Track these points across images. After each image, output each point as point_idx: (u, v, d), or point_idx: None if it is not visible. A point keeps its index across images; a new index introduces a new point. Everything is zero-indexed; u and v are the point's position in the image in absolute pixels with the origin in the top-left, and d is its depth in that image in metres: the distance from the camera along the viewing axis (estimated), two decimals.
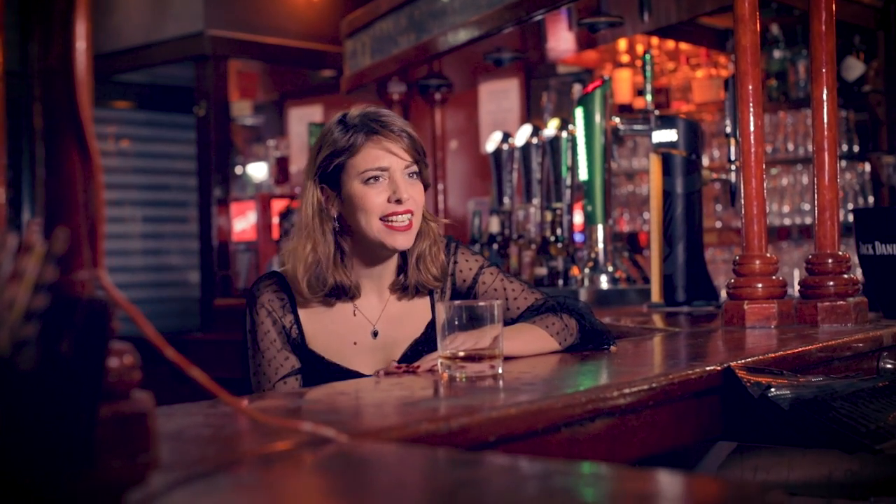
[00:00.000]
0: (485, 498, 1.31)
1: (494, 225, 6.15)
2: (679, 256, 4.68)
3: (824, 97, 3.71)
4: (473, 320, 2.43)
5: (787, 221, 7.20)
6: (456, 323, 2.43)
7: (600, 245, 5.28)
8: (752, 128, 3.64)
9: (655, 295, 4.74)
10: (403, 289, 2.97)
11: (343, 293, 2.90)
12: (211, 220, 8.71)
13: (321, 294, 2.88)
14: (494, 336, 2.44)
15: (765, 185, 6.09)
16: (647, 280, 5.27)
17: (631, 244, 7.47)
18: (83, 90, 1.57)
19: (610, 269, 5.27)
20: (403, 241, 2.84)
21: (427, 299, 3.02)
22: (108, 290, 1.56)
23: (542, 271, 5.55)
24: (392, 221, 2.81)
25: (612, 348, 2.91)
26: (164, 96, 9.82)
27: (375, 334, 2.94)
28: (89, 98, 1.59)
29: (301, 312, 2.92)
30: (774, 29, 7.17)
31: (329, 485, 1.42)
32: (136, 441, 1.52)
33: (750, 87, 3.64)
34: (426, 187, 2.94)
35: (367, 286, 2.96)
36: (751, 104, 3.64)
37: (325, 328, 2.93)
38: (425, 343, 2.93)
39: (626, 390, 2.23)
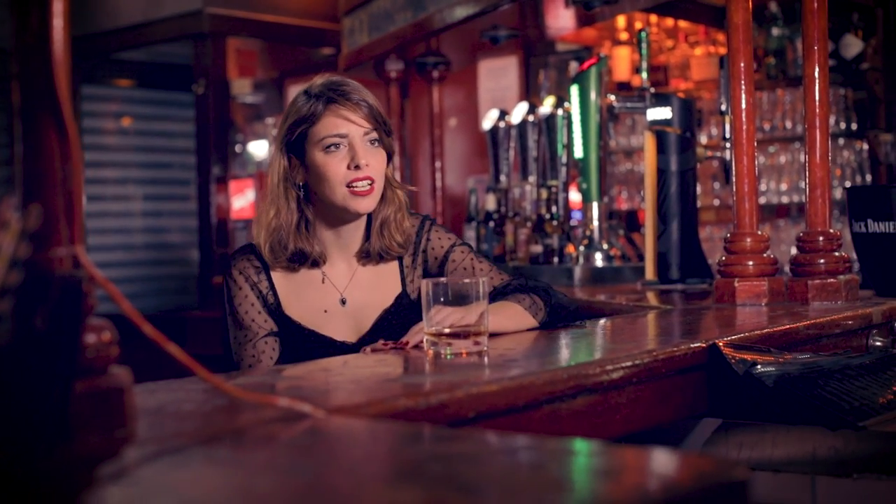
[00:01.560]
0: (453, 472, 1.31)
1: (491, 202, 6.16)
2: (673, 234, 4.68)
3: (816, 74, 3.71)
4: (459, 298, 2.44)
5: (784, 199, 7.20)
6: (441, 300, 2.44)
7: (595, 223, 5.28)
8: (743, 105, 3.64)
9: (649, 272, 4.74)
10: (367, 255, 3.03)
11: (304, 259, 2.97)
12: (210, 198, 8.70)
13: (284, 259, 2.96)
14: (480, 312, 2.45)
15: (762, 162, 6.10)
16: (642, 258, 5.27)
17: (629, 222, 7.48)
18: (60, 68, 1.57)
19: (605, 246, 5.28)
20: (367, 205, 2.90)
21: (397, 271, 3.08)
22: (85, 267, 1.57)
23: (537, 249, 5.55)
24: (355, 187, 2.86)
25: (585, 324, 3.01)
26: (163, 74, 9.81)
27: (343, 302, 3.01)
28: (66, 75, 1.59)
29: (275, 279, 2.99)
30: (773, 6, 7.15)
31: (298, 459, 1.43)
32: (112, 416, 1.53)
33: (742, 65, 3.65)
34: (390, 155, 3.00)
35: (335, 254, 3.02)
36: (742, 82, 3.64)
37: (297, 295, 2.99)
38: (395, 314, 3.00)
39: (609, 367, 2.24)
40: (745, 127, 3.64)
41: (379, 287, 3.05)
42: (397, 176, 3.14)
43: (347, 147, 2.88)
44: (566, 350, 2.62)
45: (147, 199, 9.74)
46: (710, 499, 1.22)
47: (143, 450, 1.47)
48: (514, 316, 2.88)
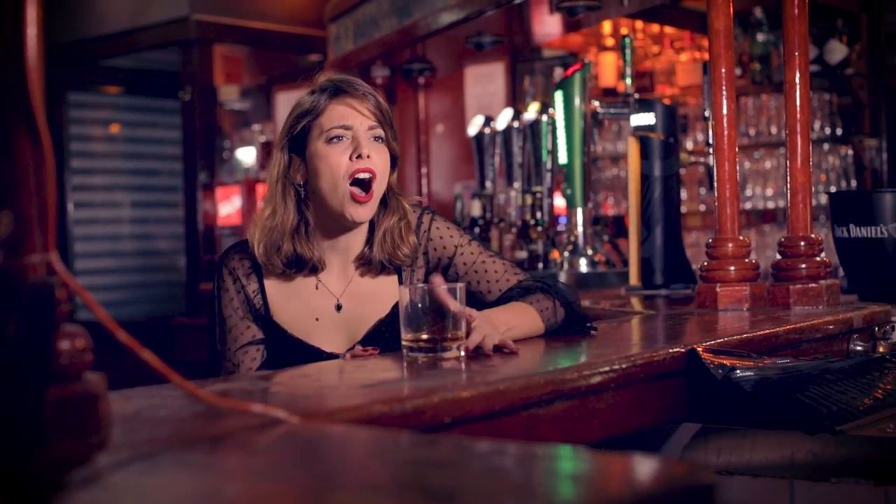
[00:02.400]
0: (425, 478, 1.32)
1: (476, 208, 6.16)
2: (657, 240, 4.69)
3: (797, 80, 3.72)
4: (437, 303, 2.44)
5: (770, 205, 7.22)
6: (419, 305, 2.44)
7: (580, 228, 5.28)
8: (724, 111, 3.65)
9: (633, 278, 4.76)
10: (367, 263, 2.91)
11: (303, 265, 2.86)
12: (196, 204, 8.72)
13: (277, 262, 2.84)
14: (459, 319, 2.45)
15: (748, 168, 6.12)
16: (626, 263, 5.28)
17: (617, 227, 7.50)
18: (34, 76, 1.58)
19: (589, 252, 5.28)
20: (363, 213, 2.80)
21: (395, 278, 2.96)
22: (59, 274, 1.57)
23: (522, 255, 5.56)
24: (355, 186, 2.76)
25: (596, 332, 2.88)
26: (151, 81, 9.82)
27: (339, 308, 2.90)
28: (40, 84, 1.60)
29: (266, 282, 2.89)
30: (758, 12, 7.18)
31: (270, 464, 1.44)
32: (86, 422, 1.53)
33: (723, 70, 3.65)
34: (394, 160, 2.90)
35: (332, 259, 2.91)
36: (724, 87, 3.65)
37: (288, 301, 2.89)
38: (390, 324, 2.85)
39: (587, 372, 2.24)
40: (726, 132, 3.66)
41: (376, 295, 2.92)
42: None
43: (351, 139, 2.79)
44: (545, 355, 2.62)
45: (135, 205, 9.75)
46: (677, 503, 1.22)
47: (116, 455, 1.47)
48: (528, 323, 2.78)
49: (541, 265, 5.49)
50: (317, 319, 2.90)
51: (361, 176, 2.78)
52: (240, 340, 2.87)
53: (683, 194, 7.45)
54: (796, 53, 3.72)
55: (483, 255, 2.99)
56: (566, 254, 5.29)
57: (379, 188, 2.82)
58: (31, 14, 1.59)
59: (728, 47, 3.65)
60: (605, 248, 5.52)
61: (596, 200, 7.93)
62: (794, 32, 3.72)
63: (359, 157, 2.77)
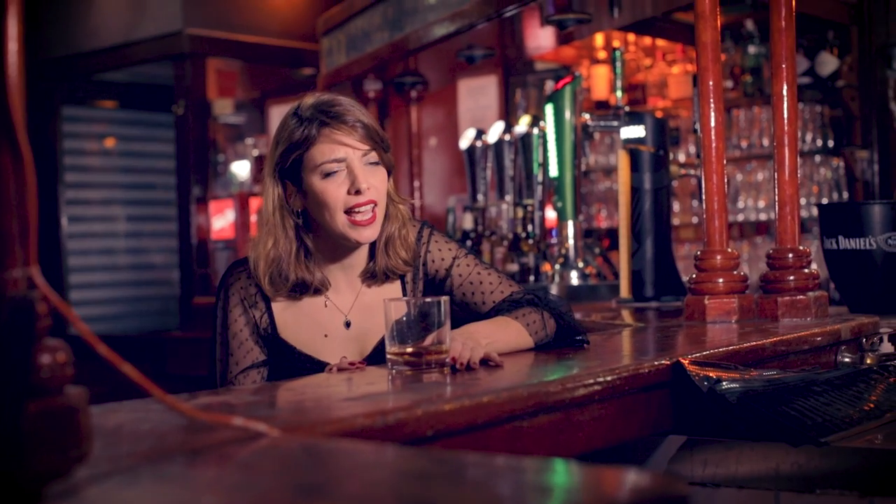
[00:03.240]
0: (403, 491, 1.32)
1: (468, 221, 6.17)
2: (647, 252, 4.70)
3: (784, 92, 3.73)
4: (421, 316, 2.45)
5: (762, 217, 7.23)
6: (404, 319, 2.45)
7: (571, 241, 5.29)
8: (712, 123, 3.66)
9: (624, 290, 4.76)
10: (372, 275, 2.92)
11: (306, 289, 2.85)
12: (190, 218, 8.73)
13: (284, 291, 2.84)
14: (442, 333, 2.46)
15: (740, 180, 6.12)
16: (618, 276, 5.28)
17: (610, 240, 7.50)
18: (14, 91, 1.58)
19: (580, 264, 5.29)
20: (369, 235, 2.79)
21: (399, 288, 2.97)
22: (40, 288, 1.58)
23: (513, 267, 5.57)
24: (356, 215, 2.75)
25: (586, 345, 2.89)
26: (145, 95, 9.83)
27: (348, 325, 2.90)
28: (21, 99, 1.60)
29: (273, 304, 2.88)
30: (749, 25, 7.20)
31: (247, 477, 1.44)
32: (66, 436, 1.54)
33: (710, 83, 3.67)
34: (390, 171, 2.88)
35: (338, 277, 2.91)
36: (711, 100, 3.66)
37: (297, 319, 2.89)
38: None
39: (571, 385, 2.24)
40: (714, 145, 3.67)
41: (382, 309, 2.81)
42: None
43: (346, 171, 2.75)
44: (531, 368, 2.62)
45: (129, 219, 9.76)
46: None
47: (95, 469, 1.48)
48: (514, 337, 2.78)
49: (532, 278, 5.50)
50: (326, 336, 2.90)
51: (361, 209, 2.76)
52: (242, 364, 2.85)
53: (676, 206, 7.46)
54: (783, 66, 3.73)
55: (478, 268, 2.99)
56: (557, 266, 5.30)
57: (381, 210, 2.82)
58: (12, 29, 1.59)
59: (716, 60, 3.67)
60: (597, 261, 5.52)
61: (589, 213, 7.94)
62: (781, 45, 3.73)
63: (357, 192, 2.75)
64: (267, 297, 2.87)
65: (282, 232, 2.83)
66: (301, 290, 2.86)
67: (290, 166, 2.81)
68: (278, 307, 2.88)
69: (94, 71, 9.33)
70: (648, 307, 4.58)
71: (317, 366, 2.83)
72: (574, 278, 5.26)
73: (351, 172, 2.76)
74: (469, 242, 6.07)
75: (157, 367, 8.03)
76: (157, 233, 9.81)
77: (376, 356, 2.85)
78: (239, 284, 2.89)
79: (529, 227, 5.63)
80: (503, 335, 2.75)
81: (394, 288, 2.97)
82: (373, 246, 2.91)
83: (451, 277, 2.97)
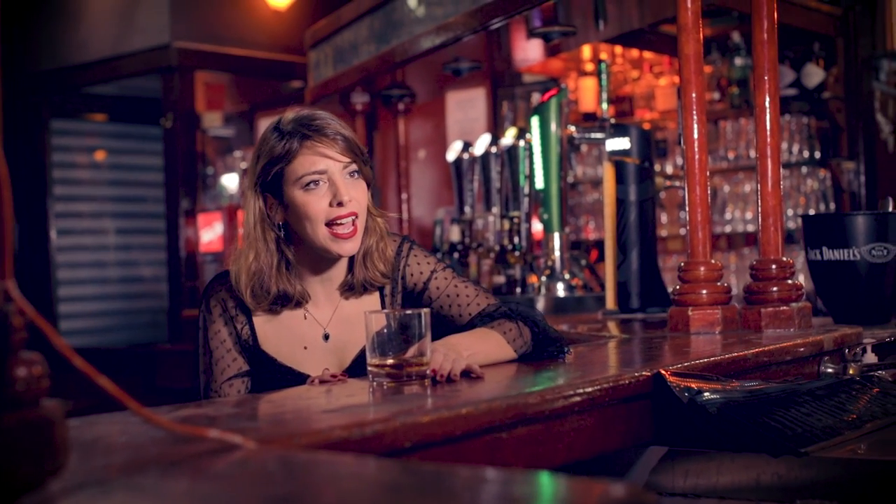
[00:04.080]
0: (384, 502, 1.33)
1: (455, 234, 6.17)
2: (633, 263, 4.71)
3: (767, 104, 3.74)
4: (402, 328, 2.46)
5: (750, 228, 7.24)
6: (384, 331, 2.46)
7: (557, 253, 5.30)
8: (695, 135, 3.68)
9: (610, 302, 4.77)
10: (350, 288, 2.95)
11: (287, 301, 2.88)
12: (179, 231, 8.73)
13: (266, 303, 2.87)
14: (423, 345, 2.47)
15: (727, 191, 6.13)
16: (604, 287, 5.29)
17: (599, 251, 7.50)
18: None
19: (567, 276, 5.29)
20: (350, 248, 2.83)
21: (377, 301, 3.00)
22: (16, 302, 1.58)
23: (500, 279, 5.57)
24: (337, 227, 2.79)
25: (568, 357, 2.91)
26: (134, 108, 9.84)
27: (327, 337, 2.93)
28: None
29: (254, 316, 2.91)
30: (736, 37, 7.22)
31: (219, 489, 1.44)
32: (41, 448, 1.54)
33: (693, 96, 3.68)
34: (369, 184, 2.91)
35: (317, 290, 2.95)
36: (694, 112, 3.67)
37: (277, 331, 2.92)
38: None
39: (550, 397, 2.25)
40: (697, 157, 3.68)
41: (361, 320, 2.85)
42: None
43: (328, 183, 2.80)
44: (512, 380, 2.63)
45: (119, 232, 9.76)
46: None
47: (69, 481, 1.48)
48: (494, 348, 2.80)
49: (519, 290, 5.50)
50: (305, 348, 2.93)
51: (342, 221, 2.80)
52: (226, 373, 2.88)
53: (664, 218, 7.48)
54: (766, 77, 3.74)
55: (455, 281, 3.03)
56: (544, 278, 5.30)
57: (361, 222, 2.86)
58: None
59: (698, 72, 3.68)
60: (584, 273, 5.52)
61: (577, 225, 7.95)
62: (763, 57, 3.75)
63: (339, 204, 2.79)
64: (248, 309, 2.90)
65: (263, 245, 2.86)
66: (282, 302, 2.89)
67: (271, 179, 2.84)
68: (259, 320, 2.91)
69: (82, 84, 9.34)
70: (634, 318, 4.59)
71: (297, 377, 2.86)
72: (560, 290, 5.27)
73: (333, 185, 2.80)
74: (456, 255, 6.07)
75: (146, 379, 8.03)
76: (146, 246, 9.81)
77: (356, 368, 2.88)
78: (220, 297, 2.92)
79: (516, 240, 5.63)
80: (483, 347, 2.77)
81: (372, 300, 3.00)
82: (351, 259, 2.94)
83: (429, 290, 3.01)
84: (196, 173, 8.93)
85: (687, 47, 3.67)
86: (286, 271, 2.88)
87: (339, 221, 2.79)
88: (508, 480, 1.41)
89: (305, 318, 2.94)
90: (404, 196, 7.93)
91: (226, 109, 9.78)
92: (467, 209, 6.30)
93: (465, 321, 2.98)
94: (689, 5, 3.67)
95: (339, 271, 2.95)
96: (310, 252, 2.88)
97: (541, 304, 5.19)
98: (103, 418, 2.07)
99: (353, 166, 2.84)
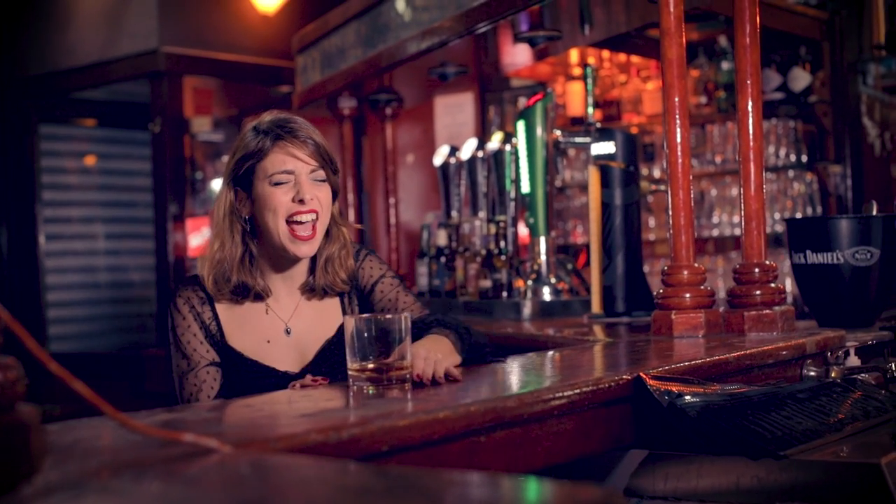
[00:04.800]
0: None
1: (442, 238, 6.17)
2: (618, 267, 4.71)
3: (749, 108, 3.75)
4: (383, 333, 2.46)
5: (738, 231, 7.22)
6: (365, 335, 2.46)
7: (543, 257, 5.30)
8: (678, 139, 3.68)
9: (596, 306, 4.77)
10: (311, 290, 3.09)
11: (247, 292, 3.02)
12: (167, 236, 8.72)
13: (227, 292, 3.01)
14: (403, 349, 2.47)
15: (714, 195, 6.13)
16: (590, 291, 5.29)
17: (588, 255, 7.50)
18: None
19: (553, 280, 5.30)
20: (306, 250, 2.98)
21: (337, 300, 3.15)
22: None
23: (486, 284, 5.57)
24: (296, 227, 2.94)
25: (504, 364, 2.98)
26: (123, 113, 9.82)
27: (288, 332, 3.06)
28: None
29: (219, 310, 3.04)
30: (723, 41, 7.22)
31: (190, 492, 1.45)
32: (16, 452, 1.54)
33: (676, 100, 3.68)
34: (335, 193, 3.06)
35: (279, 286, 3.08)
36: (677, 116, 3.68)
37: (241, 326, 3.04)
38: (338, 344, 3.02)
39: (528, 400, 2.25)
40: (680, 161, 3.68)
41: (321, 318, 3.11)
42: (352, 212, 3.22)
43: (294, 182, 2.95)
44: (490, 384, 2.63)
45: (108, 237, 9.75)
46: None
47: (42, 485, 1.48)
48: (450, 353, 2.87)
49: (505, 294, 5.50)
50: (268, 342, 3.05)
51: (303, 219, 2.95)
52: (201, 363, 2.99)
53: (652, 222, 7.48)
54: (748, 82, 3.75)
55: (399, 288, 3.20)
56: (530, 282, 5.31)
57: (321, 226, 3.01)
58: None
59: (681, 76, 3.68)
60: (570, 278, 5.52)
61: (565, 229, 7.95)
62: (745, 61, 3.76)
63: (301, 201, 2.94)
64: (213, 304, 3.04)
65: (229, 236, 3.03)
66: (243, 293, 3.03)
67: (243, 174, 3.01)
68: (224, 316, 3.04)
69: (71, 89, 9.33)
70: (619, 322, 4.59)
71: (263, 370, 3.00)
72: (546, 294, 5.27)
73: (298, 183, 2.96)
74: (443, 259, 6.07)
75: (134, 384, 8.03)
76: (135, 250, 9.80)
77: (318, 362, 3.03)
78: (186, 295, 3.05)
79: (502, 244, 5.64)
80: (447, 352, 2.83)
81: (332, 303, 3.15)
82: (313, 262, 3.10)
83: (374, 293, 3.17)
84: (184, 178, 8.93)
85: (670, 51, 3.68)
86: (249, 265, 3.03)
87: (299, 219, 2.94)
88: (474, 483, 1.41)
89: (267, 312, 3.07)
90: (392, 201, 7.93)
91: (214, 114, 9.77)
92: (454, 213, 6.30)
93: None
94: (671, 9, 3.68)
95: (299, 271, 3.10)
96: (272, 250, 3.02)
97: (528, 308, 5.20)
98: (83, 423, 2.07)
99: (321, 172, 3.00)
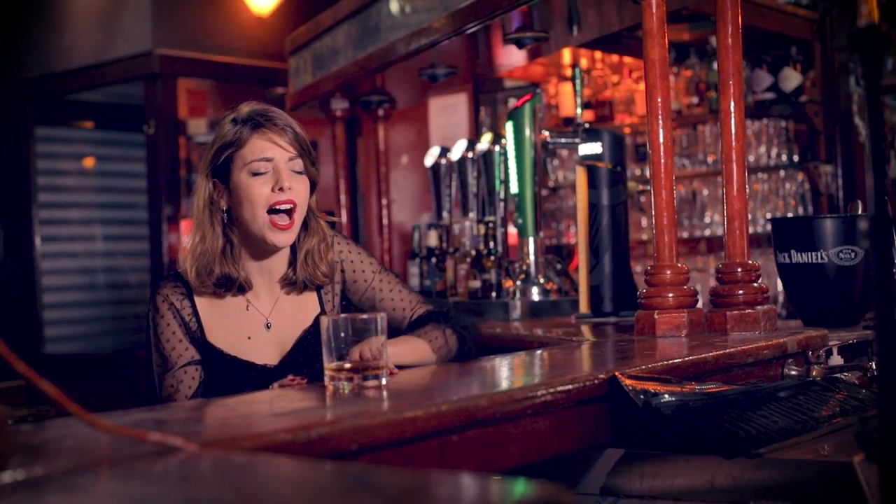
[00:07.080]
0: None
1: (432, 239, 6.18)
2: (606, 267, 4.72)
3: (732, 109, 3.76)
4: (359, 332, 2.48)
5: (719, 231, 7.26)
6: (342, 335, 2.47)
7: (532, 257, 5.31)
8: (661, 140, 3.69)
9: (584, 306, 4.78)
10: (292, 283, 3.11)
11: (230, 284, 3.03)
12: (161, 237, 8.73)
13: (209, 284, 3.02)
14: (380, 347, 2.49)
15: (706, 195, 6.14)
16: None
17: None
18: None
19: (541, 280, 5.31)
20: (285, 239, 3.00)
21: (316, 299, 3.17)
22: None
23: (475, 284, 5.58)
24: (276, 216, 2.95)
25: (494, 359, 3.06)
26: (119, 115, 9.83)
27: (269, 326, 3.08)
28: None
29: (199, 305, 3.04)
30: (714, 41, 7.22)
31: (151, 490, 1.46)
32: None
33: (659, 100, 3.69)
34: (314, 185, 3.08)
35: (258, 280, 3.10)
36: (660, 117, 3.69)
37: (221, 322, 3.05)
38: (315, 334, 3.04)
39: (501, 399, 2.27)
40: (663, 161, 3.69)
41: (300, 310, 3.13)
42: (345, 213, 3.25)
43: (272, 171, 2.96)
44: (464, 383, 2.65)
45: (104, 239, 9.75)
46: None
47: (7, 483, 1.50)
48: (414, 352, 2.98)
49: (494, 294, 5.51)
50: (249, 338, 3.06)
51: (282, 207, 2.96)
52: (179, 361, 3.00)
53: (643, 222, 7.49)
54: (730, 82, 3.76)
55: (395, 286, 3.26)
56: (519, 282, 5.32)
57: (299, 216, 3.01)
58: None
59: (664, 77, 3.70)
60: (559, 278, 5.53)
61: (558, 229, 7.96)
62: (727, 62, 3.77)
63: (280, 189, 2.95)
64: (193, 301, 3.05)
65: (210, 228, 3.04)
66: (226, 285, 3.05)
67: (221, 164, 3.02)
68: (204, 312, 3.05)
69: (67, 91, 9.34)
70: (607, 322, 4.60)
71: (242, 365, 3.02)
72: (535, 294, 5.28)
73: (277, 172, 2.97)
74: (434, 259, 6.08)
75: (130, 385, 8.03)
76: (131, 252, 9.80)
77: (296, 353, 3.07)
78: (165, 293, 3.06)
79: (492, 244, 5.65)
80: (400, 350, 2.96)
81: (311, 298, 3.17)
82: (293, 255, 3.11)
83: (373, 291, 3.22)
84: (179, 180, 8.93)
85: (652, 52, 3.70)
86: (231, 256, 3.04)
87: (278, 208, 2.95)
88: (430, 482, 1.43)
89: (248, 308, 3.09)
90: (384, 201, 7.94)
91: (209, 116, 9.77)
92: (445, 214, 6.32)
93: (403, 325, 3.20)
94: (654, 10, 3.69)
95: (279, 263, 3.11)
96: (251, 241, 3.04)
97: (517, 308, 5.21)
98: (55, 423, 2.09)
99: (299, 161, 3.02)
